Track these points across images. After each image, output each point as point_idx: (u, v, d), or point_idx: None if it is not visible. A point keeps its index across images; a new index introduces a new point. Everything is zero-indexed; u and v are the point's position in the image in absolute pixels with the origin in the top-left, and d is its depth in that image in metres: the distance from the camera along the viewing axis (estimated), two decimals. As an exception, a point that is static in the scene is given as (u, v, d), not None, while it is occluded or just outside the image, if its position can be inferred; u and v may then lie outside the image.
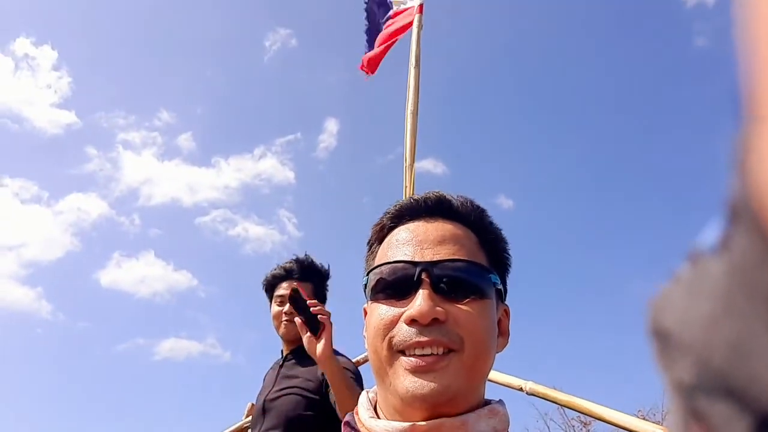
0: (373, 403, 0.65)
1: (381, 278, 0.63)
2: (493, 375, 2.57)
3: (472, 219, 0.68)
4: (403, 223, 0.68)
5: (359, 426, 0.63)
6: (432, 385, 0.56)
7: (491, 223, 0.71)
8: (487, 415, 0.60)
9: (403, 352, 0.58)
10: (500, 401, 0.65)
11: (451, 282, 0.60)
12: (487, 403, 0.64)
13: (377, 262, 0.67)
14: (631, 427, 1.96)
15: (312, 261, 2.26)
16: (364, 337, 0.68)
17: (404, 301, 0.60)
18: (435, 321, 0.57)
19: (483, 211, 0.70)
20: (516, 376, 2.46)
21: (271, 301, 2.24)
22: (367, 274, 0.66)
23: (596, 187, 24.00)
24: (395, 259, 0.63)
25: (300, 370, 2.06)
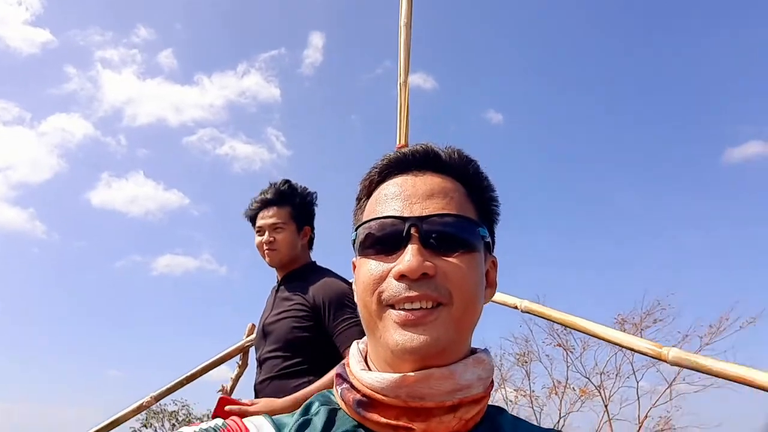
0: (364, 354, 0.66)
1: (370, 233, 0.63)
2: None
3: (461, 171, 0.68)
4: (391, 177, 0.68)
5: (351, 378, 0.63)
6: (422, 338, 0.57)
7: (480, 174, 0.70)
8: (473, 364, 0.61)
9: (392, 306, 0.59)
10: (485, 350, 0.66)
11: (440, 236, 0.60)
12: (474, 352, 0.65)
13: (366, 217, 0.67)
14: (626, 344, 2.02)
15: (290, 185, 2.22)
16: (354, 290, 0.68)
17: (393, 256, 0.60)
18: (424, 276, 0.58)
19: (472, 161, 0.70)
20: (512, 295, 2.54)
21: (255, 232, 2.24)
22: (356, 229, 0.66)
23: (584, 101, 23.64)
24: (384, 215, 0.63)
25: (292, 295, 2.08)
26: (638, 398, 11.89)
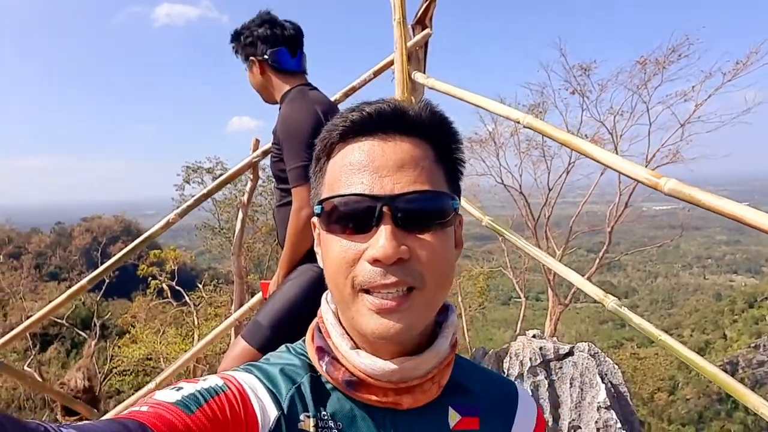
0: (342, 324, 0.66)
1: (336, 208, 0.60)
2: (492, 106, 2.52)
3: (431, 131, 0.63)
4: (355, 140, 0.62)
5: (338, 355, 0.64)
6: (397, 326, 0.57)
7: (451, 132, 0.66)
8: (446, 333, 0.66)
9: (366, 291, 0.58)
10: (450, 308, 0.70)
11: (413, 215, 0.58)
12: (443, 308, 0.68)
13: (329, 184, 0.63)
14: (622, 170, 1.99)
15: (233, 33, 2.15)
16: (317, 252, 0.67)
17: (363, 235, 0.58)
18: (399, 260, 0.57)
19: (443, 119, 0.65)
20: (514, 108, 2.44)
21: None
22: (320, 204, 0.62)
23: None
24: (352, 192, 0.59)
25: (274, 129, 2.08)
26: (649, 134, 12.17)
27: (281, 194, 2.10)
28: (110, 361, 15.33)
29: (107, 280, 18.09)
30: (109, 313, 20.03)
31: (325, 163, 0.65)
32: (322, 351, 0.65)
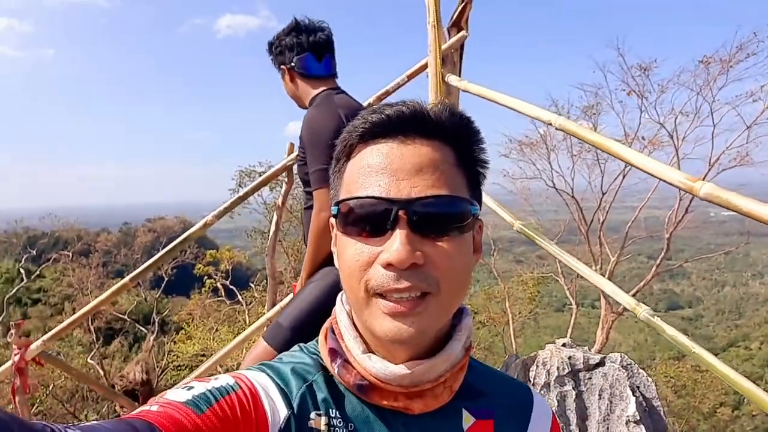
0: (355, 327, 0.65)
1: (353, 210, 0.60)
2: (523, 107, 2.46)
3: (451, 133, 0.62)
4: (374, 141, 0.62)
5: (350, 358, 0.64)
6: (410, 330, 0.57)
7: (473, 134, 0.65)
8: (460, 337, 0.65)
9: (380, 295, 0.58)
10: (465, 311, 0.69)
11: (430, 220, 0.57)
12: (458, 311, 0.67)
13: (347, 185, 0.63)
14: (657, 174, 1.90)
15: (269, 44, 2.22)
16: (334, 252, 0.67)
17: (379, 238, 0.58)
18: (413, 265, 0.56)
19: (463, 119, 0.64)
20: (547, 109, 2.39)
21: None
22: (336, 204, 0.62)
23: None
24: (369, 195, 0.58)
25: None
26: (713, 137, 11.52)
27: (307, 197, 2.13)
28: (167, 356, 16.00)
29: (166, 278, 18.96)
30: (168, 310, 20.94)
31: (344, 164, 0.65)
32: (335, 353, 0.65)
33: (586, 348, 2.56)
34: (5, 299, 20.36)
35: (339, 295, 0.70)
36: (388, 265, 0.56)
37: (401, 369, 0.60)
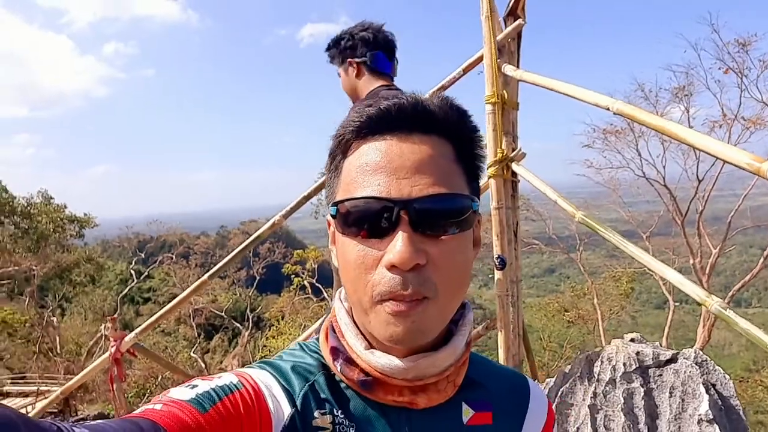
0: (356, 324, 0.65)
1: (352, 211, 0.58)
2: (582, 93, 2.38)
3: (450, 127, 0.61)
4: (372, 138, 0.60)
5: (352, 355, 0.63)
6: (410, 329, 0.56)
7: (472, 129, 0.63)
8: (463, 331, 0.65)
9: (384, 300, 0.57)
10: (466, 306, 0.68)
11: (431, 219, 0.56)
12: (460, 307, 0.66)
13: (344, 184, 0.61)
14: (721, 156, 1.77)
15: (331, 41, 2.23)
16: (332, 251, 0.67)
17: (380, 239, 0.57)
18: (416, 265, 0.55)
19: (464, 115, 0.62)
20: (605, 95, 2.29)
21: None
22: (335, 205, 0.60)
23: None
24: (368, 195, 0.57)
25: None
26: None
27: None
28: (261, 351, 16.89)
29: (257, 277, 20.03)
30: (261, 307, 22.09)
31: (341, 162, 0.63)
32: (337, 351, 0.65)
33: (657, 344, 2.41)
34: (120, 298, 22.56)
35: (337, 292, 0.71)
36: (391, 267, 0.55)
37: (406, 362, 0.60)
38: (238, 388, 0.57)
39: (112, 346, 2.99)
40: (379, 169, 0.57)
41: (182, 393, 0.54)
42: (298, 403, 0.60)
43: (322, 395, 0.62)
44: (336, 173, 0.63)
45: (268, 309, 21.09)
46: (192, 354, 17.17)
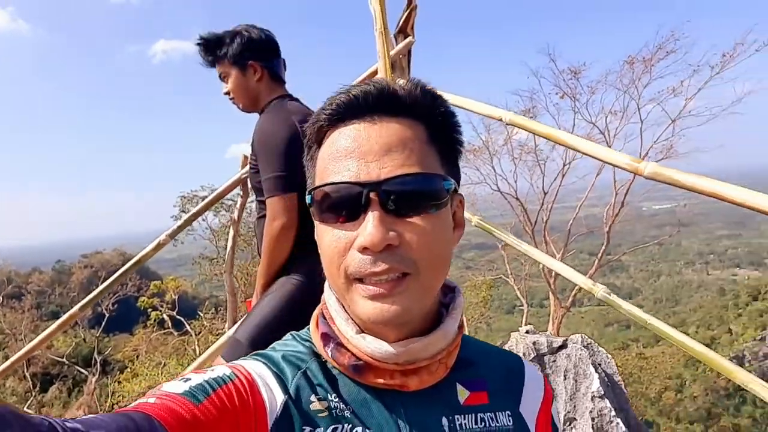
0: (342, 304, 0.65)
1: (325, 196, 0.59)
2: (474, 106, 2.55)
3: (421, 110, 0.61)
4: (342, 124, 0.61)
5: (343, 340, 0.64)
6: (392, 308, 0.57)
7: (443, 109, 0.64)
8: (454, 315, 0.66)
9: (359, 280, 0.58)
10: (457, 289, 0.70)
11: (402, 199, 0.57)
12: (449, 290, 0.69)
13: (319, 173, 0.62)
14: (604, 158, 2.02)
15: (215, 34, 2.09)
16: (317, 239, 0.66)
17: (353, 223, 0.57)
18: (388, 246, 0.56)
19: (434, 96, 0.63)
20: (495, 106, 2.48)
21: None
22: (310, 193, 0.62)
23: None
24: (339, 180, 0.58)
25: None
26: (641, 132, 12.30)
27: (260, 206, 2.04)
28: (111, 397, 15.14)
29: (107, 315, 18.00)
30: (110, 349, 19.86)
31: (316, 151, 0.64)
32: (327, 337, 0.65)
33: (548, 333, 2.66)
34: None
35: (327, 281, 0.69)
36: (363, 249, 0.56)
37: (397, 347, 0.60)
38: (231, 380, 0.57)
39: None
40: (348, 154, 0.58)
41: (175, 386, 0.54)
42: (291, 390, 0.60)
43: (315, 381, 0.62)
44: (312, 163, 0.65)
45: (119, 350, 19.03)
46: (26, 410, 14.78)
